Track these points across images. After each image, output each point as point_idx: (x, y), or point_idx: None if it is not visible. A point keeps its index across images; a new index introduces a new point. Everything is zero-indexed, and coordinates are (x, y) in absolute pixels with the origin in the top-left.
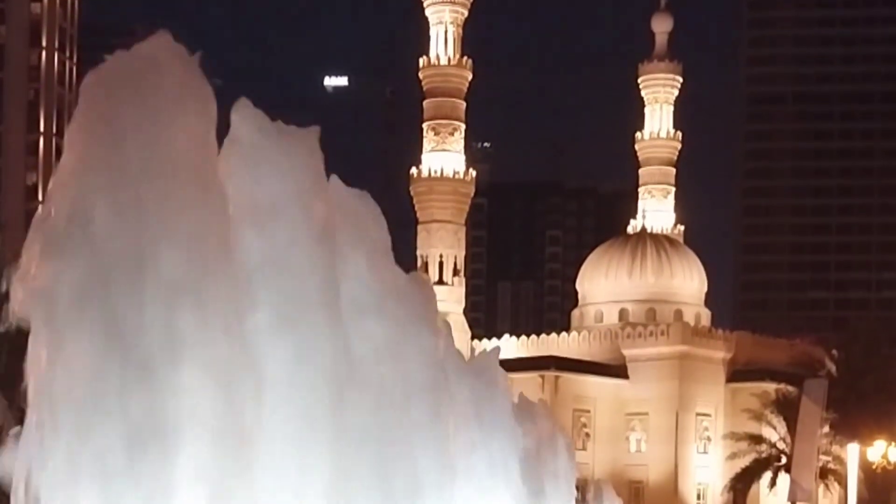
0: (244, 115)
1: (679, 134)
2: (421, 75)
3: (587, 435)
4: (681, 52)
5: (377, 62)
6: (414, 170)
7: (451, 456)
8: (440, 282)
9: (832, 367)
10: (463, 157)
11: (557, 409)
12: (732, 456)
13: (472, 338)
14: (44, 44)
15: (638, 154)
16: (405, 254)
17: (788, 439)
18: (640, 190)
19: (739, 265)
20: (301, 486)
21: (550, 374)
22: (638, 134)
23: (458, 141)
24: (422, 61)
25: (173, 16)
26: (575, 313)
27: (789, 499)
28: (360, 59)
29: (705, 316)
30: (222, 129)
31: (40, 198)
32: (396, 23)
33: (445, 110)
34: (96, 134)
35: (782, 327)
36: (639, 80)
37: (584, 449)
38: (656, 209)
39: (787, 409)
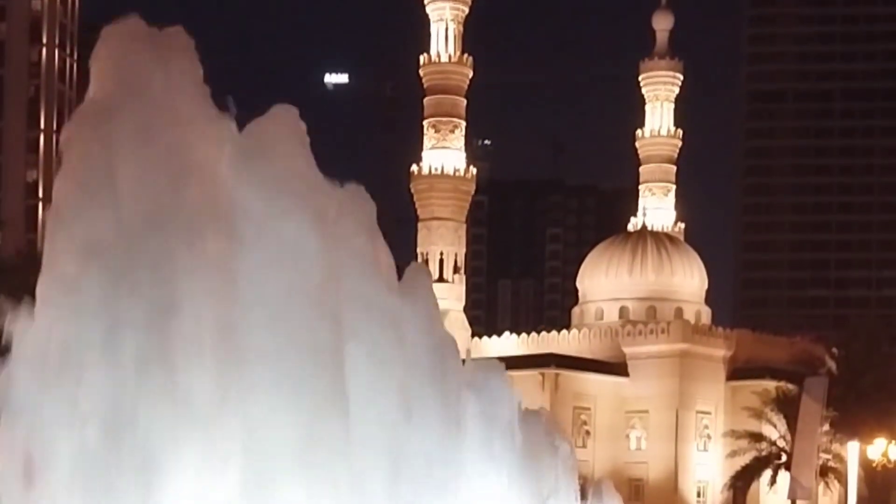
0: None
1: (680, 132)
2: (421, 73)
3: (587, 433)
4: (682, 49)
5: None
6: (414, 167)
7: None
8: (441, 279)
9: (832, 365)
10: (463, 155)
11: (558, 406)
12: (732, 454)
13: (473, 335)
14: (44, 41)
15: (638, 152)
16: (405, 251)
17: (788, 437)
18: (641, 188)
19: (740, 263)
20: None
21: (551, 372)
22: (638, 132)
23: (458, 138)
24: (422, 59)
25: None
26: (575, 311)
27: (789, 497)
28: (360, 56)
29: (705, 314)
30: None
31: (40, 195)
32: (397, 20)
33: (446, 108)
34: None
35: (782, 325)
36: (639, 78)
37: (584, 447)
38: (657, 207)
39: (788, 407)
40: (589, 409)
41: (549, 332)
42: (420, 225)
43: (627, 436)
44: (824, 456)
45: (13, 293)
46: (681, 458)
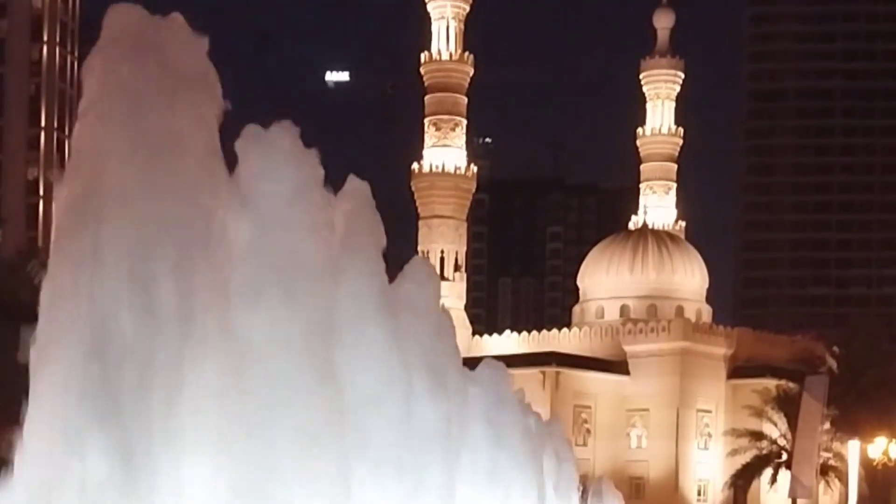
0: None
1: (680, 130)
2: (422, 70)
3: (588, 431)
4: (682, 47)
5: (378, 57)
6: (415, 165)
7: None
8: (441, 277)
9: (833, 364)
10: (464, 153)
11: (558, 405)
12: (733, 452)
13: (473, 334)
14: (45, 38)
15: (639, 150)
16: (406, 249)
17: (789, 436)
18: (642, 186)
19: (740, 261)
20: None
21: (551, 370)
22: (639, 130)
23: (459, 136)
24: (423, 56)
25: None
26: (576, 309)
27: (790, 495)
28: (361, 54)
29: (706, 312)
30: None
31: (41, 192)
32: (398, 18)
33: (447, 106)
34: None
35: (783, 324)
36: (640, 76)
37: (584, 445)
38: (657, 205)
39: (788, 406)
40: (589, 407)
41: (549, 330)
42: (421, 223)
43: (628, 434)
44: (825, 454)
45: (14, 291)
46: (681, 457)
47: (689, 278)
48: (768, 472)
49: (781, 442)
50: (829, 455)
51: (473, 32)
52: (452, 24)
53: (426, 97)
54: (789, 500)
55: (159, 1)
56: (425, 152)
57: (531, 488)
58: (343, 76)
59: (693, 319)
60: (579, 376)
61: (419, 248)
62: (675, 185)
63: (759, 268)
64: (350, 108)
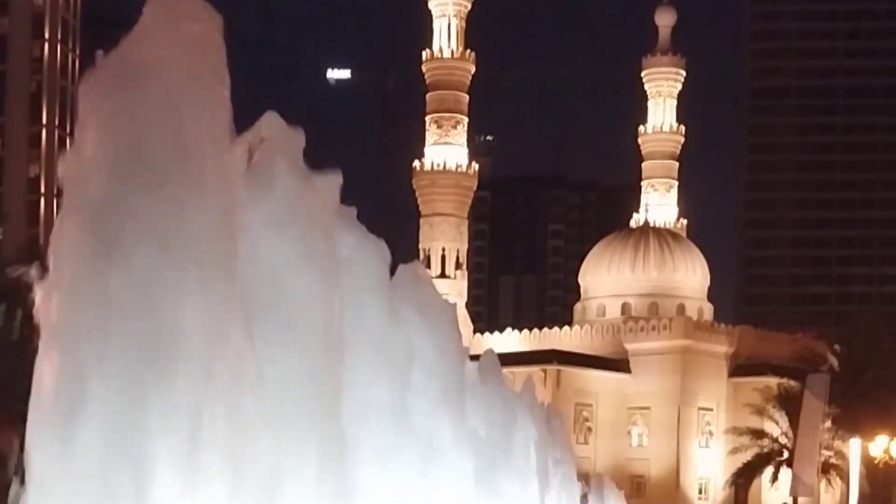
0: None
1: (682, 128)
2: (424, 68)
3: (589, 429)
4: (684, 45)
5: (380, 55)
6: (416, 163)
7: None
8: (443, 275)
9: (834, 362)
10: (466, 151)
11: (559, 403)
12: (734, 450)
13: (474, 332)
14: (46, 35)
15: (641, 148)
16: (407, 247)
17: (790, 434)
18: (643, 184)
19: (742, 259)
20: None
21: (552, 368)
22: (641, 128)
23: (460, 134)
24: (425, 54)
25: None
26: (577, 307)
27: (791, 494)
28: (362, 51)
29: (708, 310)
30: None
31: (42, 190)
32: (399, 15)
33: (448, 103)
34: None
35: (784, 322)
36: (642, 74)
37: (585, 443)
38: (659, 203)
39: (789, 404)
40: (591, 405)
41: (550, 328)
42: (422, 221)
43: (629, 432)
44: (826, 453)
45: (15, 289)
46: (682, 455)
47: (690, 276)
48: (769, 470)
49: (782, 440)
50: (831, 453)
51: (475, 30)
52: (454, 22)
53: (428, 95)
54: (790, 499)
55: None
56: (427, 150)
57: (531, 487)
58: (345, 74)
59: (694, 317)
60: (580, 374)
61: (420, 246)
62: (676, 182)
63: (760, 266)
64: (351, 105)
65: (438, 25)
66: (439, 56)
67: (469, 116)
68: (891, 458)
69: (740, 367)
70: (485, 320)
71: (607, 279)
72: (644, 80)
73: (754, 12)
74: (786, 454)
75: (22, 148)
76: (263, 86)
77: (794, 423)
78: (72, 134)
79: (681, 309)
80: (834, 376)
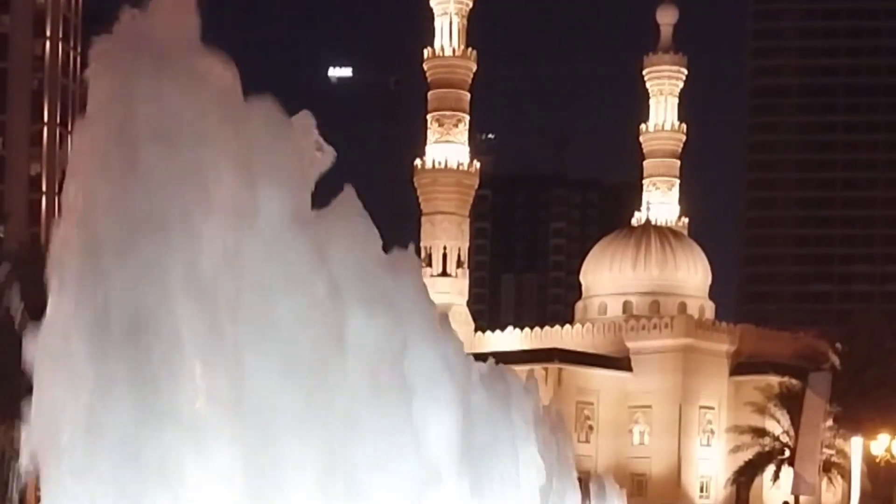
0: None
1: (683, 126)
2: (425, 66)
3: (590, 427)
4: (686, 43)
5: (381, 53)
6: (418, 161)
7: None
8: (444, 273)
9: (836, 361)
10: (467, 149)
11: (561, 401)
12: (736, 449)
13: (476, 330)
14: (48, 34)
15: (642, 146)
16: (408, 246)
17: (792, 432)
18: (645, 182)
19: (743, 258)
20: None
21: (554, 367)
22: (642, 126)
23: (462, 132)
24: (426, 52)
25: None
26: (578, 305)
27: (793, 492)
28: (364, 49)
29: (709, 309)
30: None
31: (44, 188)
32: (401, 14)
33: (450, 102)
34: None
35: (786, 320)
36: (643, 72)
37: (587, 441)
38: (660, 201)
39: (791, 403)
40: (592, 403)
41: (552, 326)
42: (423, 219)
43: (630, 431)
44: (827, 451)
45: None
46: (684, 453)
47: (691, 275)
48: (771, 468)
49: (784, 439)
50: (832, 452)
51: (476, 28)
52: (455, 20)
53: (429, 93)
54: (792, 497)
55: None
56: (428, 148)
57: (531, 485)
58: (346, 72)
59: (696, 316)
60: (582, 373)
61: (422, 245)
62: (677, 181)
63: (761, 264)
64: (353, 104)
65: (440, 24)
66: (441, 54)
67: (470, 115)
68: (892, 456)
69: (742, 366)
70: (486, 319)
71: (609, 277)
72: (645, 79)
73: (755, 11)
74: (787, 453)
75: (23, 146)
76: (264, 84)
77: (795, 421)
78: (73, 132)
79: (682, 307)
80: (835, 375)
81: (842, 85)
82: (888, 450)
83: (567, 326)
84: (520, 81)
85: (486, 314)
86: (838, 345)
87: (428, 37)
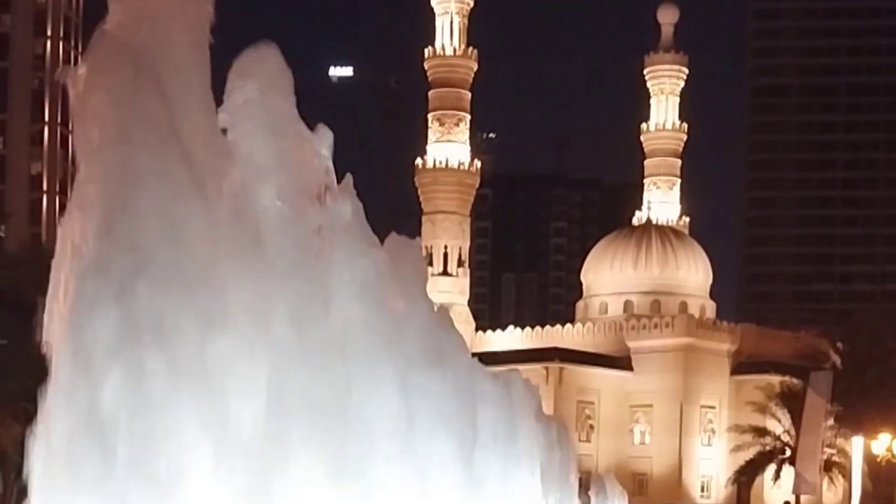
0: None
1: (684, 125)
2: (426, 66)
3: (591, 427)
4: (686, 43)
5: (382, 53)
6: (419, 160)
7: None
8: (445, 273)
9: (837, 360)
10: (468, 148)
11: (561, 400)
12: (737, 448)
13: (476, 329)
14: (48, 33)
15: (643, 145)
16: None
17: (793, 432)
18: (646, 181)
19: (744, 257)
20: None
21: (555, 366)
22: (643, 125)
23: (463, 132)
24: (427, 52)
25: None
26: (579, 305)
27: (794, 491)
28: (364, 49)
29: (710, 308)
30: None
31: (44, 187)
32: (401, 13)
33: (451, 101)
34: None
35: (787, 320)
36: (644, 72)
37: (588, 441)
38: (661, 201)
39: (792, 402)
40: (593, 403)
41: (553, 325)
42: (424, 218)
43: (631, 430)
44: (829, 451)
45: (17, 286)
46: (685, 453)
47: (692, 274)
48: (772, 468)
49: (785, 438)
50: (833, 451)
51: (477, 27)
52: (456, 20)
53: (430, 92)
54: (793, 497)
55: None
56: (429, 147)
57: (532, 485)
58: (347, 71)
59: (697, 315)
60: (583, 372)
61: (423, 244)
62: (678, 180)
63: (762, 263)
64: (354, 103)
65: (441, 23)
66: (441, 54)
67: (471, 114)
68: (893, 455)
69: (743, 365)
70: (487, 318)
71: (609, 277)
72: (646, 78)
73: (756, 10)
74: (788, 452)
75: (24, 146)
76: None
77: (796, 421)
78: (73, 131)
79: (683, 307)
80: (836, 374)
81: (842, 84)
82: (889, 449)
83: (568, 326)
84: (520, 81)
85: (487, 314)
86: (839, 344)
87: (429, 36)
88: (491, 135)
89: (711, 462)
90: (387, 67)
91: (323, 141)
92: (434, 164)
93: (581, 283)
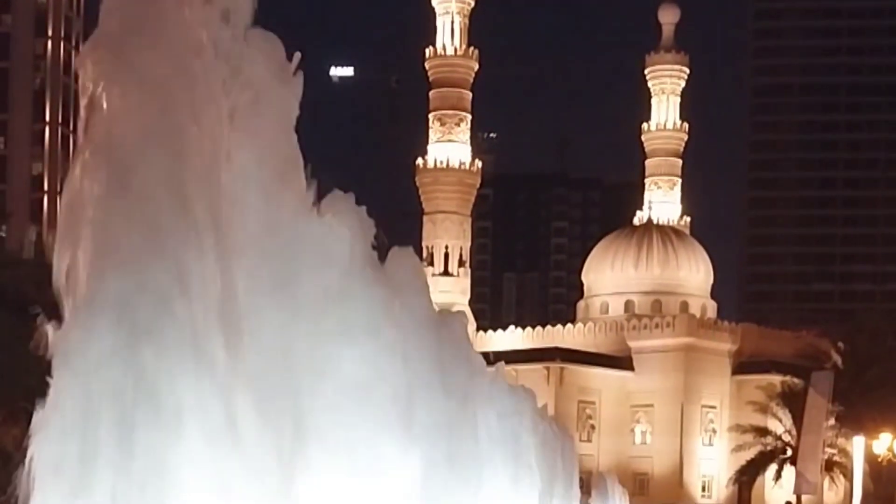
0: None
1: (685, 125)
2: (427, 66)
3: (592, 427)
4: (687, 42)
5: (383, 52)
6: (420, 160)
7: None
8: (446, 272)
9: (838, 360)
10: (469, 148)
11: (562, 400)
12: (738, 448)
13: (477, 329)
14: (49, 33)
15: (644, 145)
16: (410, 244)
17: (794, 432)
18: (647, 181)
19: (745, 257)
20: None
21: (556, 366)
22: (644, 125)
23: (464, 131)
24: (428, 52)
25: None
26: (580, 305)
27: (795, 491)
28: (365, 49)
29: (711, 308)
30: None
31: (45, 187)
32: (403, 13)
33: (451, 101)
34: None
35: (788, 319)
36: (645, 71)
37: (588, 441)
38: (662, 200)
39: (793, 402)
40: (594, 403)
41: (554, 325)
42: (425, 218)
43: (632, 430)
44: (830, 450)
45: (18, 286)
46: (686, 453)
47: (693, 274)
48: (773, 468)
49: (786, 438)
50: (834, 451)
51: (478, 27)
52: (457, 20)
53: (431, 92)
54: (794, 497)
55: None
56: (430, 147)
57: (532, 484)
58: (348, 71)
59: (698, 315)
60: (583, 372)
61: (423, 244)
62: (679, 180)
63: (763, 263)
64: (355, 103)
65: (441, 23)
66: (442, 53)
67: (472, 114)
68: (894, 455)
69: (744, 365)
70: (488, 318)
71: (610, 277)
72: (647, 78)
73: (757, 9)
74: (789, 452)
75: (25, 145)
76: None
77: (797, 420)
78: (75, 131)
79: (684, 306)
80: (837, 374)
81: (843, 84)
82: (890, 449)
83: (569, 326)
84: (521, 80)
85: (488, 313)
86: (840, 344)
87: (429, 36)
88: (492, 135)
89: (712, 462)
90: (388, 67)
91: None
92: (435, 164)
93: (582, 283)
